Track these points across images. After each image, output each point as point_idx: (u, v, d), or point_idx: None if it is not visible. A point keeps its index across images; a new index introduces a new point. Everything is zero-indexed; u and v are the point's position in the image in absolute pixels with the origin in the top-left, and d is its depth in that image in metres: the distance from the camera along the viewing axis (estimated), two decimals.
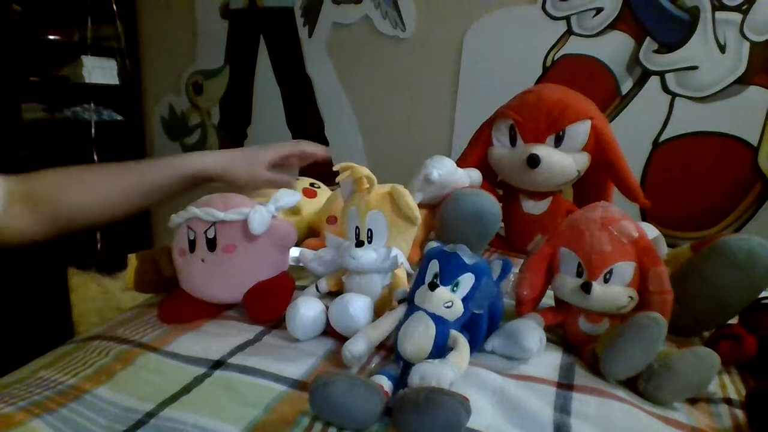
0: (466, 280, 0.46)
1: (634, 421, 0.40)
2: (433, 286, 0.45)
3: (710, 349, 0.46)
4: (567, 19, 1.57)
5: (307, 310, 0.53)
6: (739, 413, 0.45)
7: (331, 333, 0.54)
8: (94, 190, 0.62)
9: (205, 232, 0.60)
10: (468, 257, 0.46)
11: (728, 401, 0.46)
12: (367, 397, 0.38)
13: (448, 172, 0.71)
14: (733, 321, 0.58)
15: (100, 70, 1.96)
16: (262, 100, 2.04)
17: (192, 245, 0.61)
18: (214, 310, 0.63)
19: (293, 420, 0.40)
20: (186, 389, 0.46)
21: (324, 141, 1.95)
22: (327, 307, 0.55)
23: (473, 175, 0.77)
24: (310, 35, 1.90)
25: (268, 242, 0.62)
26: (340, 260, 0.57)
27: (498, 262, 0.48)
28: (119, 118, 2.06)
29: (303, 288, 0.65)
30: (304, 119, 1.99)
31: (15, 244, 0.59)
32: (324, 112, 1.94)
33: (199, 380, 0.47)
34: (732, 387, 0.49)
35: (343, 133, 1.92)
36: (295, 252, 0.70)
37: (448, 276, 0.46)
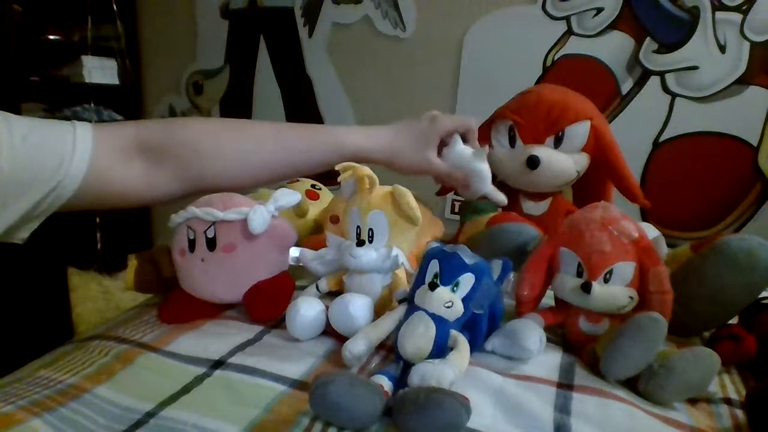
0: (466, 280, 0.46)
1: (634, 421, 0.40)
2: (433, 286, 0.45)
3: (710, 349, 0.46)
4: (567, 19, 1.57)
5: (307, 309, 0.53)
6: (739, 413, 0.45)
7: (331, 333, 0.54)
8: (247, 150, 0.54)
9: (205, 232, 0.60)
10: (468, 257, 0.46)
11: (728, 401, 0.46)
12: (367, 397, 0.38)
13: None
14: (733, 321, 0.58)
15: (100, 70, 1.96)
16: (263, 100, 2.04)
17: (192, 245, 0.61)
18: (214, 310, 0.63)
19: (293, 420, 0.40)
20: (186, 389, 0.46)
21: None
22: (327, 307, 0.55)
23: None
24: (310, 35, 1.90)
25: (268, 242, 0.62)
26: (340, 260, 0.57)
27: (498, 262, 0.48)
28: (119, 118, 2.06)
29: (303, 288, 0.65)
30: (305, 119, 1.99)
31: (131, 203, 0.52)
32: (324, 112, 1.95)
33: (199, 380, 0.47)
34: (732, 387, 0.49)
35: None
36: (295, 252, 0.70)
37: (448, 276, 0.46)
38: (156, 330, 0.58)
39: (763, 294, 0.56)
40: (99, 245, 2.04)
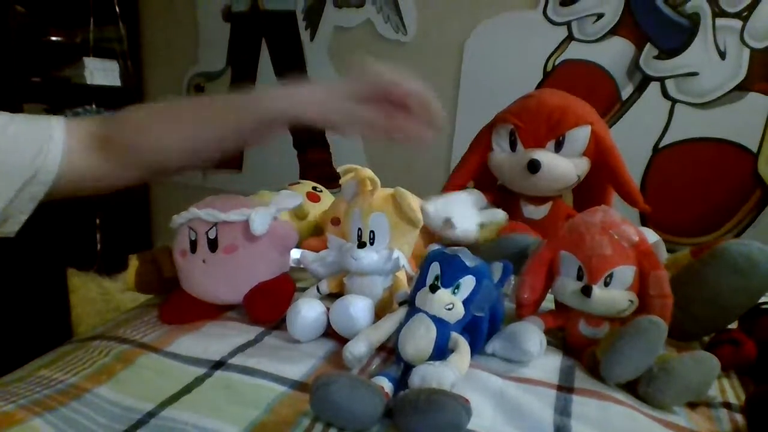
0: (467, 283, 0.46)
1: (634, 424, 0.40)
2: (434, 288, 0.45)
3: (710, 353, 0.46)
4: (568, 24, 1.57)
5: (308, 311, 0.53)
6: (739, 418, 0.45)
7: (332, 334, 0.54)
8: (178, 129, 0.55)
9: (207, 233, 0.60)
10: (469, 260, 0.47)
11: (728, 405, 0.46)
12: (368, 398, 0.38)
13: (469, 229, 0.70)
14: (733, 326, 0.59)
15: (102, 72, 1.97)
16: None
17: (193, 246, 0.61)
18: (214, 311, 0.63)
19: (294, 421, 0.40)
20: (187, 389, 0.46)
21: (325, 144, 1.96)
22: (328, 309, 0.55)
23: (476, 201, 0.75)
24: (312, 39, 1.91)
25: (269, 243, 0.63)
26: (341, 261, 0.57)
27: (498, 264, 0.48)
28: None
29: (304, 289, 0.65)
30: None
31: (100, 190, 0.54)
32: None
33: (199, 380, 0.47)
34: (731, 391, 0.49)
35: (344, 137, 1.93)
36: (296, 253, 0.70)
37: (449, 278, 0.46)
38: (157, 330, 0.58)
39: (763, 299, 0.57)
40: (99, 246, 2.04)
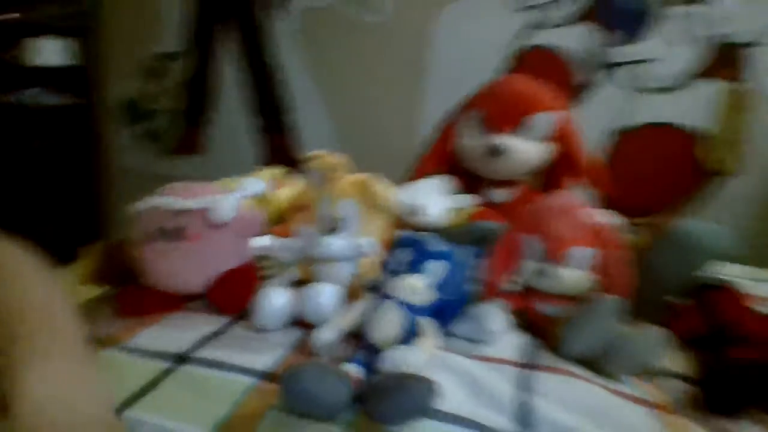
0: (436, 267, 0.47)
1: (592, 397, 0.42)
2: (404, 274, 0.46)
3: (661, 327, 0.48)
4: (533, 10, 1.59)
5: (276, 298, 0.53)
6: (689, 386, 0.47)
7: (300, 322, 0.54)
8: None
9: (169, 221, 0.58)
10: (438, 245, 0.47)
11: (678, 375, 0.49)
12: (337, 386, 0.38)
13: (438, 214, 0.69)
14: (683, 301, 0.61)
15: (53, 52, 1.87)
16: (228, 85, 1.99)
17: (154, 234, 0.59)
18: (176, 302, 0.61)
19: (262, 414, 0.40)
20: (152, 384, 0.45)
21: (291, 128, 1.93)
22: (295, 296, 0.54)
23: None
24: (279, 20, 1.86)
25: (234, 230, 0.62)
26: (309, 248, 0.57)
27: (468, 249, 0.49)
28: (73, 101, 1.97)
29: (270, 277, 0.64)
30: (273, 106, 1.96)
31: None
32: (293, 99, 1.92)
33: (163, 375, 0.46)
34: (682, 362, 0.52)
35: (313, 121, 1.91)
36: (261, 240, 0.69)
37: (419, 263, 0.47)
38: (115, 324, 0.56)
39: (708, 274, 0.60)
40: (43, 239, 1.95)
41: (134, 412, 0.41)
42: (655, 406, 0.43)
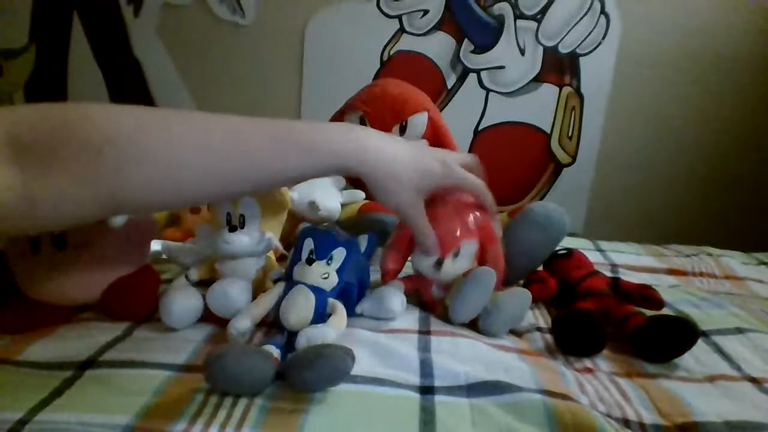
0: (339, 254, 0.52)
1: (477, 351, 0.50)
2: (310, 261, 0.50)
3: (525, 288, 0.59)
4: (399, 18, 1.71)
5: (184, 298, 0.53)
6: (548, 337, 0.58)
7: (209, 319, 0.55)
8: (188, 149, 0.37)
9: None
10: (339, 234, 0.52)
11: (539, 329, 0.60)
12: (261, 363, 0.41)
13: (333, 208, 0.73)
14: (540, 268, 0.75)
15: None
16: (80, 84, 1.81)
17: (35, 245, 0.56)
18: (65, 314, 0.58)
19: (188, 398, 0.41)
20: (57, 392, 0.43)
21: None
22: (202, 295, 0.55)
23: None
24: (136, 15, 1.75)
25: (127, 235, 0.60)
26: (212, 247, 0.58)
27: (364, 237, 0.55)
28: None
29: (169, 281, 0.64)
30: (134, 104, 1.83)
31: (20, 229, 0.39)
32: (158, 98, 1.81)
33: (68, 382, 0.45)
34: (541, 318, 0.64)
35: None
36: (156, 245, 0.68)
37: (322, 251, 0.51)
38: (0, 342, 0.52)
39: (559, 247, 0.73)
40: None
41: (47, 415, 0.40)
42: (525, 353, 0.53)
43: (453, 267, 0.59)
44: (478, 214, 0.61)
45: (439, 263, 0.59)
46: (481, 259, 0.61)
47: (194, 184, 0.40)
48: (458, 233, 0.59)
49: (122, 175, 0.36)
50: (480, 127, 1.81)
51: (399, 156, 0.49)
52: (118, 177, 0.36)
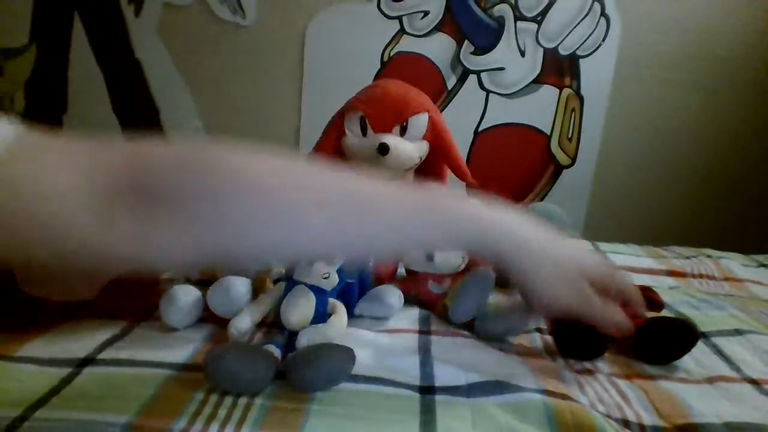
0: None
1: (477, 351, 0.51)
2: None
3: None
4: (400, 19, 1.71)
5: (185, 296, 0.53)
6: (548, 337, 0.58)
7: (209, 319, 0.55)
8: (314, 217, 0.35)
9: None
10: None
11: (539, 329, 0.60)
12: (262, 362, 0.41)
13: None
14: None
15: None
16: (80, 85, 1.81)
17: None
18: (65, 312, 0.58)
19: (188, 397, 0.41)
20: (56, 390, 0.43)
21: (160, 129, 1.83)
22: (202, 295, 0.55)
23: None
24: (137, 15, 1.75)
25: None
26: None
27: None
28: None
29: (170, 280, 0.64)
30: (135, 106, 1.83)
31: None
32: (159, 98, 1.81)
33: (66, 381, 0.45)
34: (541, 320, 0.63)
35: (182, 122, 1.82)
36: None
37: None
38: None
39: None
40: None
41: (45, 413, 0.39)
42: (525, 353, 0.53)
43: (445, 260, 0.58)
44: None
45: (429, 256, 0.59)
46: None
47: (311, 244, 0.37)
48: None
49: (242, 228, 0.34)
50: (480, 129, 1.82)
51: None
52: (237, 229, 0.34)
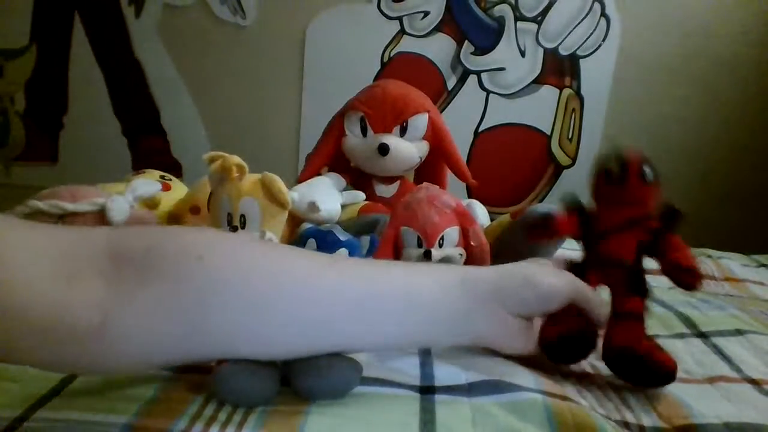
0: (341, 254, 0.52)
1: (477, 350, 0.50)
2: None
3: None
4: (400, 19, 1.72)
5: None
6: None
7: None
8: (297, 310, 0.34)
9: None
10: (341, 234, 0.52)
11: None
12: (268, 378, 0.40)
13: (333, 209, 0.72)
14: None
15: None
16: (80, 85, 1.82)
17: None
18: None
19: (189, 398, 0.41)
20: (56, 390, 0.43)
21: (160, 130, 1.83)
22: None
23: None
24: (137, 15, 1.75)
25: None
26: None
27: (366, 238, 0.56)
28: None
29: None
30: (135, 107, 1.83)
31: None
32: (159, 99, 1.81)
33: (67, 381, 0.45)
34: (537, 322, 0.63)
35: (182, 123, 1.82)
36: None
37: (325, 251, 0.52)
38: None
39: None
40: None
41: (45, 413, 0.39)
42: (525, 354, 0.53)
43: (441, 254, 0.60)
44: (450, 199, 0.62)
45: (427, 254, 0.59)
46: (465, 243, 0.62)
47: (300, 340, 0.36)
48: (438, 221, 0.60)
49: (219, 319, 0.33)
50: (480, 129, 1.82)
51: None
52: (214, 320, 0.33)
